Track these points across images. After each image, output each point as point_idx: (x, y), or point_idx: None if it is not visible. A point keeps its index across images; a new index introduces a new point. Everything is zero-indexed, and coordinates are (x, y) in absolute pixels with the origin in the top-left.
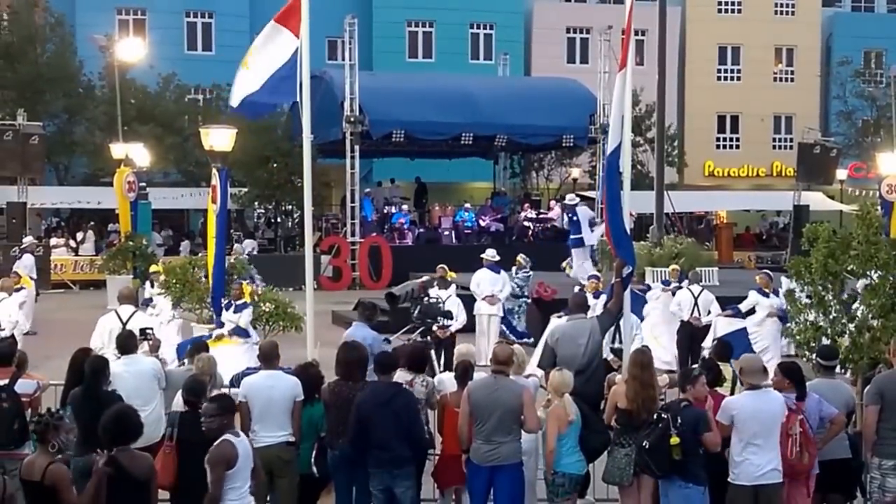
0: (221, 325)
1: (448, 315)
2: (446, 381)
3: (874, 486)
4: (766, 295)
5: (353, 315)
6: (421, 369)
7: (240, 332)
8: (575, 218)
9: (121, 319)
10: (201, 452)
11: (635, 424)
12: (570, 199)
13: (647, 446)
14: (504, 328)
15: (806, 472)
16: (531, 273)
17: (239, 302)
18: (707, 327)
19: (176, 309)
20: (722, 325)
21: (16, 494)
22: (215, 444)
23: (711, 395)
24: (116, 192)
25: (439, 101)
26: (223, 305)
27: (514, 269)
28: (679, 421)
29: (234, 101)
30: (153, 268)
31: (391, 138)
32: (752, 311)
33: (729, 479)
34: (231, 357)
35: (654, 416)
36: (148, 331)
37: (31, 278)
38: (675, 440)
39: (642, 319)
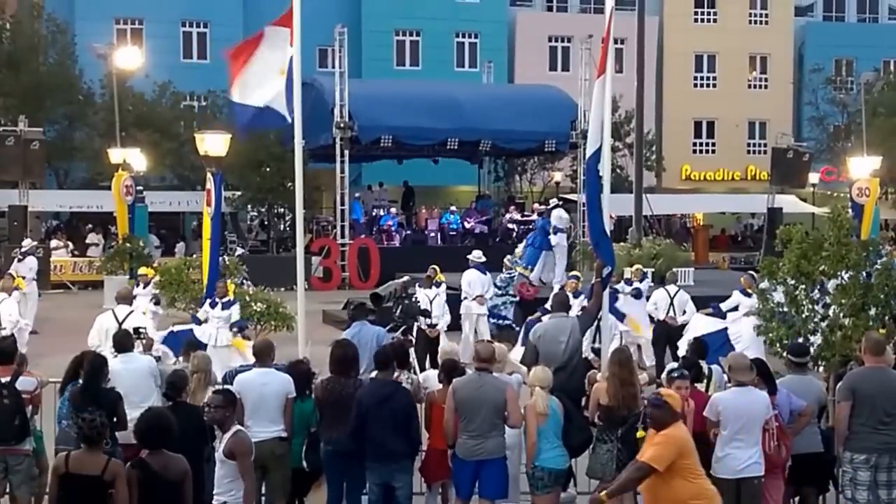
0: (198, 322)
1: (426, 314)
2: (432, 378)
3: (846, 479)
4: (749, 296)
5: (343, 314)
6: (404, 365)
7: (241, 325)
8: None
9: (117, 319)
10: (183, 446)
11: (616, 421)
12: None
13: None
14: (493, 319)
15: (783, 465)
16: (515, 273)
17: (225, 300)
18: (683, 326)
19: (157, 306)
20: (701, 325)
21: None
22: (231, 434)
23: (692, 392)
24: (114, 195)
25: (426, 107)
26: (209, 304)
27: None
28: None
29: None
30: (141, 270)
31: (379, 143)
32: (733, 310)
33: (711, 472)
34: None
35: (638, 411)
36: (142, 330)
37: (24, 278)
38: (640, 433)
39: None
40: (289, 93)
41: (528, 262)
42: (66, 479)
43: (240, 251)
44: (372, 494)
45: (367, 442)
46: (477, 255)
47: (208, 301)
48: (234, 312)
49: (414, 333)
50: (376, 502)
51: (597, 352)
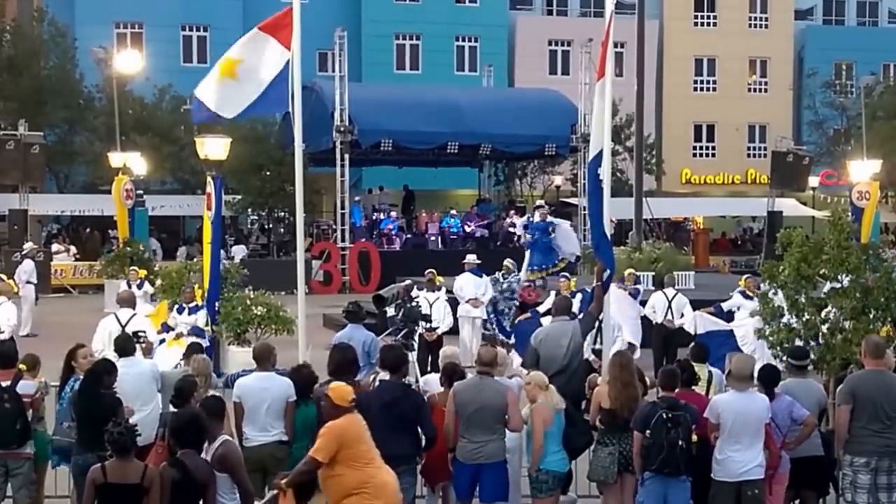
0: (168, 329)
1: (427, 318)
2: (433, 381)
3: (846, 482)
4: (750, 298)
5: (343, 318)
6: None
7: (199, 332)
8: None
9: (120, 322)
10: None
11: (619, 423)
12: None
13: (683, 445)
14: (495, 328)
15: (772, 469)
16: (520, 277)
17: (192, 305)
18: (680, 329)
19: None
20: (701, 323)
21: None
22: (220, 445)
23: (687, 395)
24: (115, 199)
25: (426, 111)
26: (176, 310)
27: (501, 273)
28: (690, 418)
29: (230, 112)
30: (133, 268)
31: (380, 147)
32: (732, 313)
33: (711, 475)
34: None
35: (665, 416)
36: (140, 333)
37: (30, 283)
38: (695, 437)
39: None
40: (281, 95)
41: (544, 263)
42: (106, 489)
43: (241, 254)
44: None
45: (374, 445)
46: (472, 259)
47: (176, 307)
48: (201, 317)
49: (415, 338)
50: None
51: (598, 353)
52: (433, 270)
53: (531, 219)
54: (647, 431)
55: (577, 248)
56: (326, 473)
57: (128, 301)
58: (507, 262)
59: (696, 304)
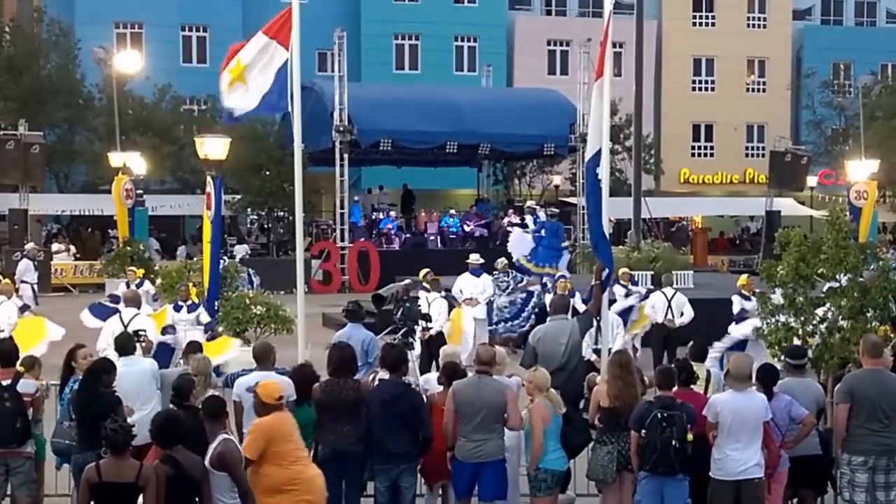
0: (172, 330)
1: (427, 318)
2: (432, 380)
3: (844, 481)
4: (749, 298)
5: (343, 317)
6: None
7: (210, 327)
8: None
9: (123, 321)
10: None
11: (619, 423)
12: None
13: (676, 445)
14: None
15: (771, 469)
16: (521, 277)
17: (188, 303)
18: (680, 329)
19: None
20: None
21: None
22: (219, 443)
23: (686, 394)
24: (114, 199)
25: (425, 111)
26: (173, 308)
27: (499, 273)
28: (685, 417)
29: (237, 111)
30: (130, 269)
31: (379, 147)
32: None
33: (710, 474)
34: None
35: (660, 415)
36: (141, 332)
37: (24, 282)
38: (690, 437)
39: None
40: (281, 95)
41: (549, 261)
42: (101, 488)
43: (242, 253)
44: (381, 497)
45: (375, 443)
46: (475, 259)
47: (172, 306)
48: (203, 314)
49: (416, 337)
50: None
51: (598, 353)
52: (430, 270)
53: (538, 217)
54: (643, 431)
55: (517, 254)
56: (254, 471)
57: (132, 301)
58: (501, 261)
59: (695, 304)
